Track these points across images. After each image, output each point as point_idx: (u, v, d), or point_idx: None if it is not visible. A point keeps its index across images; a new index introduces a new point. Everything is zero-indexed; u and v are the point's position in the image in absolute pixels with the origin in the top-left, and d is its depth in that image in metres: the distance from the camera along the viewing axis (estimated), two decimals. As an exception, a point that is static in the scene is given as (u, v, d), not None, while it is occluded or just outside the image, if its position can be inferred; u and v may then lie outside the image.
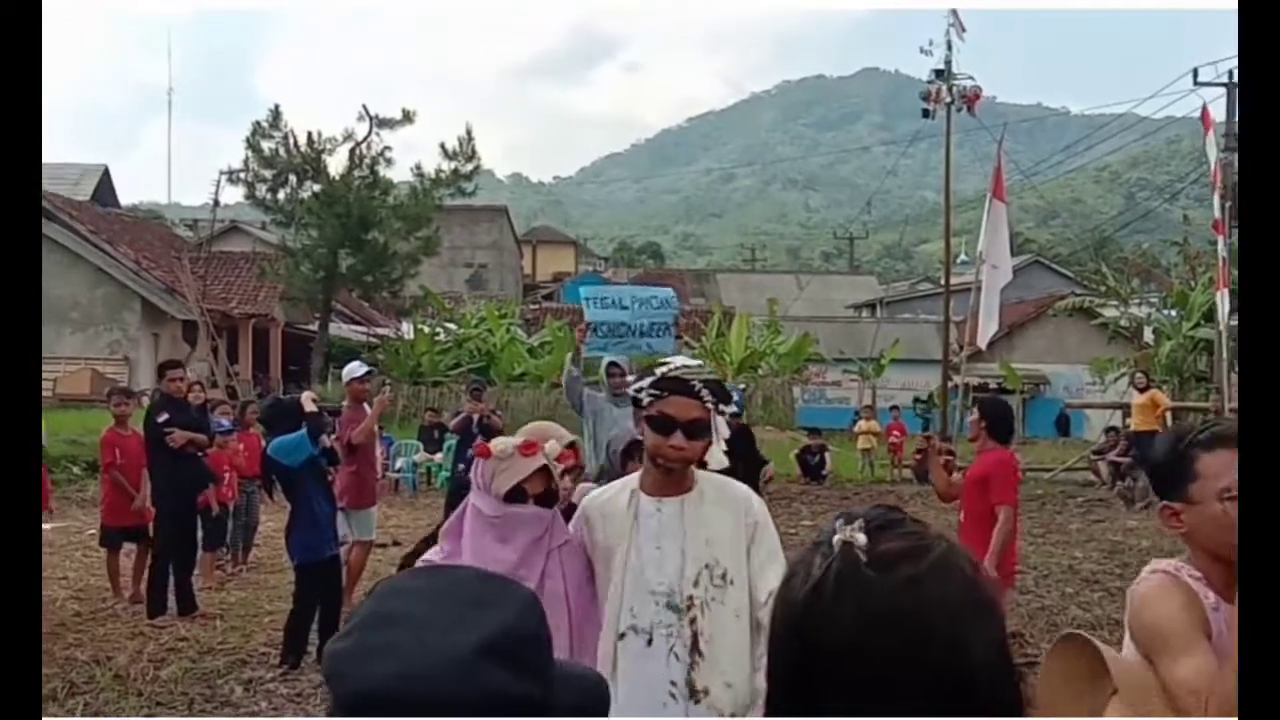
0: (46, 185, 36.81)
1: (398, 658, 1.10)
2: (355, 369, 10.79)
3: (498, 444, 3.63)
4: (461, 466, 13.09)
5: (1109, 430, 24.18)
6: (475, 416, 13.09)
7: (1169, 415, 20.62)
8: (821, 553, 1.32)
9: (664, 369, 3.51)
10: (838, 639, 1.26)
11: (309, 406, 8.63)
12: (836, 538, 1.30)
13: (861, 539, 1.29)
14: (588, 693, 1.30)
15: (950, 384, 29.57)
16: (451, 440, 14.26)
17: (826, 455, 23.41)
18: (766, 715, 1.39)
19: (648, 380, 3.50)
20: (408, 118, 31.74)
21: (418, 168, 32.27)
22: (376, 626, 1.15)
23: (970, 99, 30.43)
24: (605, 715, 1.33)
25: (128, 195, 57.16)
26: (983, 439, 7.67)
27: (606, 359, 9.70)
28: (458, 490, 12.83)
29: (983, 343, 17.10)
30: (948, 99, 30.10)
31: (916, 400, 34.20)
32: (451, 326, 34.72)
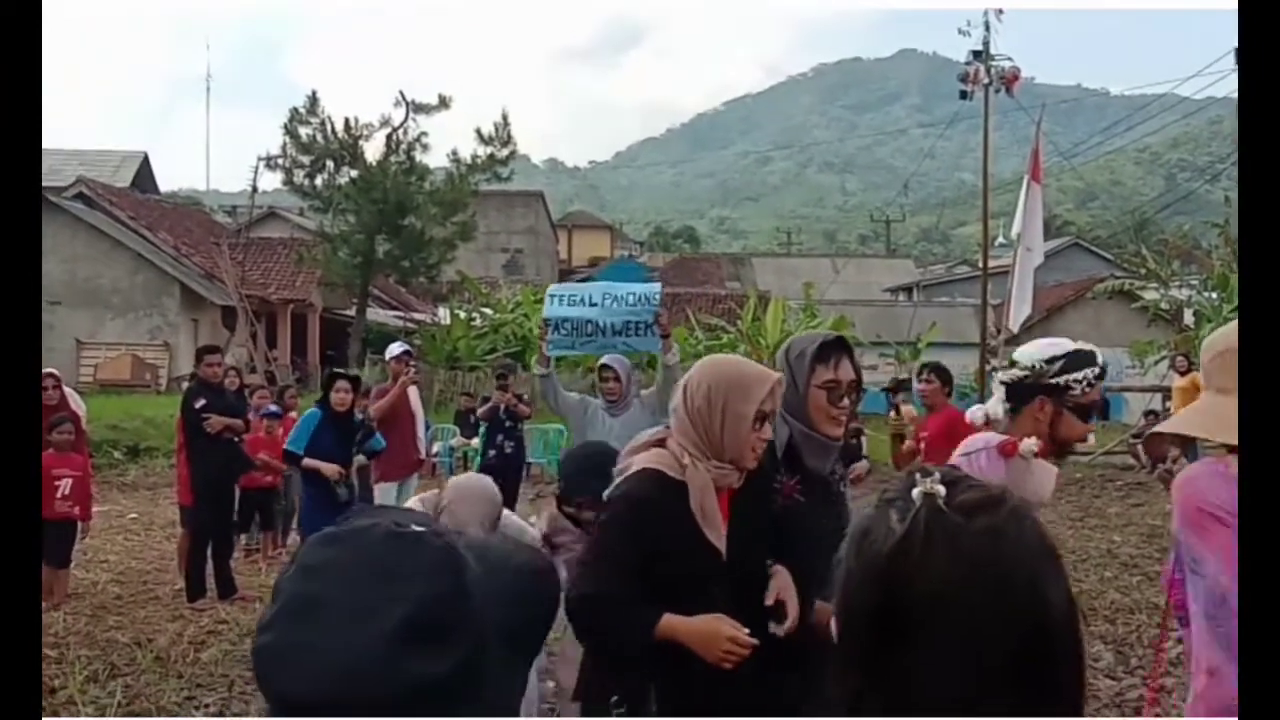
0: (87, 172, 37.21)
1: (315, 657, 1.06)
2: (394, 349, 11.48)
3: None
4: (492, 453, 13.19)
5: (1148, 414, 23.99)
6: (502, 405, 13.25)
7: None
8: (897, 508, 1.36)
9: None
10: (929, 587, 1.29)
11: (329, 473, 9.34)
12: (917, 490, 1.34)
13: (941, 490, 1.33)
14: (528, 595, 1.23)
15: (988, 367, 29.41)
16: (483, 427, 14.19)
17: (863, 439, 23.37)
18: (839, 669, 1.41)
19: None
20: (444, 103, 31.77)
21: (454, 153, 32.37)
22: (294, 616, 1.10)
23: (1009, 80, 30.19)
24: (548, 610, 1.28)
25: (167, 182, 57.59)
26: (940, 401, 8.47)
27: (600, 361, 8.37)
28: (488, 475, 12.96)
29: (1015, 326, 17.01)
30: (986, 80, 29.88)
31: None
32: (488, 311, 34.80)
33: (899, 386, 8.94)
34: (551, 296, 8.71)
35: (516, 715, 1.19)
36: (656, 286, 8.79)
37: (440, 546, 1.14)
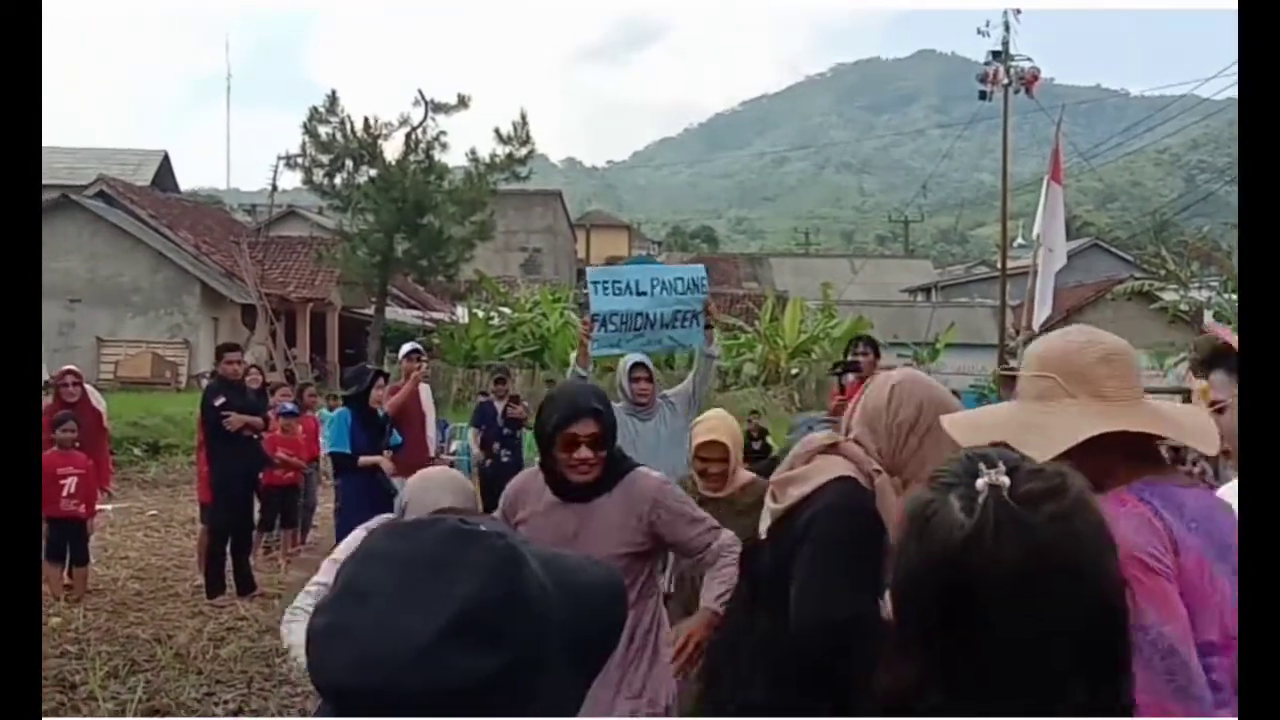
0: (107, 170, 37.36)
1: (357, 645, 1.05)
2: (405, 347, 11.59)
3: None
4: (489, 462, 13.04)
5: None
6: (500, 407, 13.10)
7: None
8: (960, 496, 1.37)
9: None
10: (1001, 579, 1.31)
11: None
12: (982, 481, 1.35)
13: (1006, 481, 1.34)
14: (596, 612, 1.20)
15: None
16: (471, 432, 14.17)
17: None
18: (894, 657, 1.43)
19: None
20: (463, 103, 31.80)
21: (473, 153, 32.36)
22: (348, 601, 1.10)
23: (1028, 81, 30.15)
24: (616, 628, 1.25)
25: (187, 180, 57.78)
26: (873, 371, 8.48)
27: (630, 359, 7.35)
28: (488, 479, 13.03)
29: (1036, 326, 16.92)
30: (1005, 81, 29.84)
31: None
32: (506, 310, 34.84)
33: (848, 368, 9.02)
34: (595, 284, 7.72)
35: None
36: (701, 269, 8.02)
37: (502, 547, 1.12)
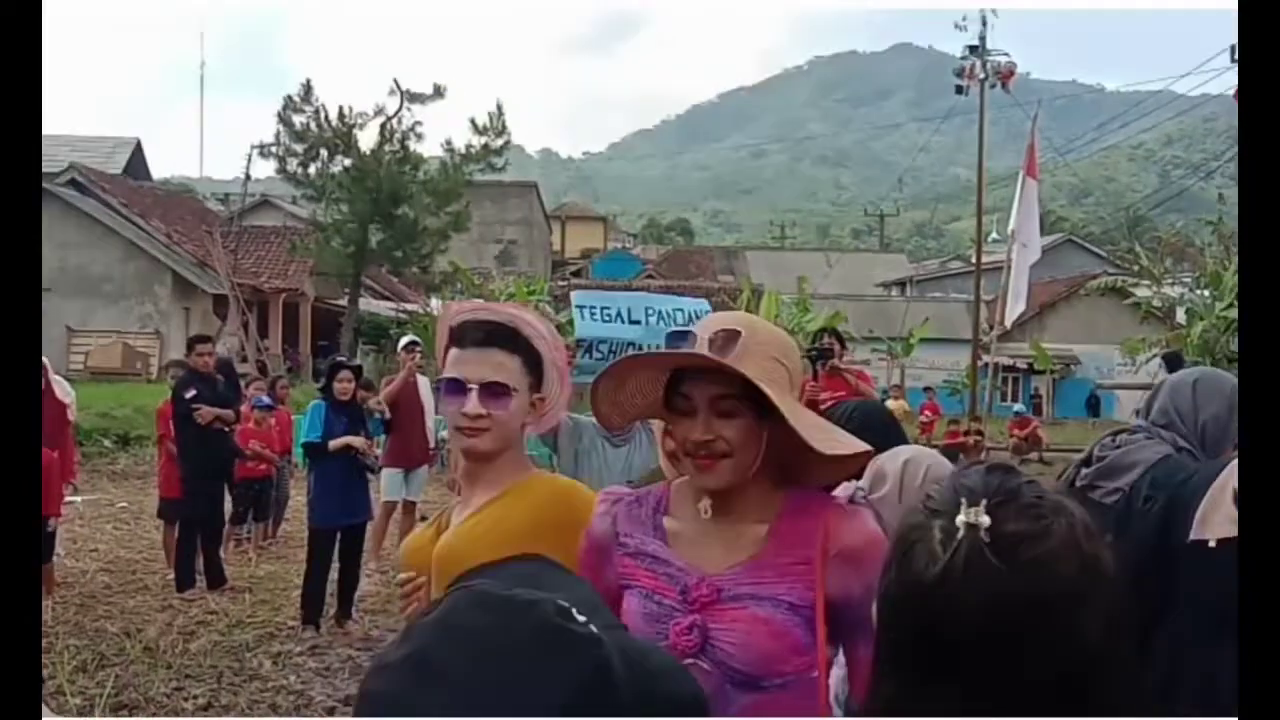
0: (79, 158, 37.06)
1: None
2: (403, 340, 12.36)
3: None
4: None
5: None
6: None
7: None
8: (941, 528, 1.33)
9: None
10: (965, 622, 1.27)
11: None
12: (961, 519, 1.31)
13: (986, 521, 1.30)
14: None
15: (980, 363, 29.45)
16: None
17: (854, 434, 23.36)
18: (873, 686, 1.41)
19: None
20: (438, 92, 31.69)
21: (448, 143, 32.25)
22: (419, 674, 1.05)
23: (1004, 76, 30.26)
24: None
25: (160, 169, 57.44)
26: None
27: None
28: None
29: (1009, 322, 17.06)
30: (981, 75, 29.95)
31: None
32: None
33: (822, 353, 9.04)
34: (581, 309, 7.36)
35: None
36: (705, 305, 7.55)
37: (595, 658, 1.07)
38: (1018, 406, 28.69)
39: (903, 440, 4.03)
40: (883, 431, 3.93)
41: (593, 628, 1.10)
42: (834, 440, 2.25)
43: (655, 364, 2.33)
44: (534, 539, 2.42)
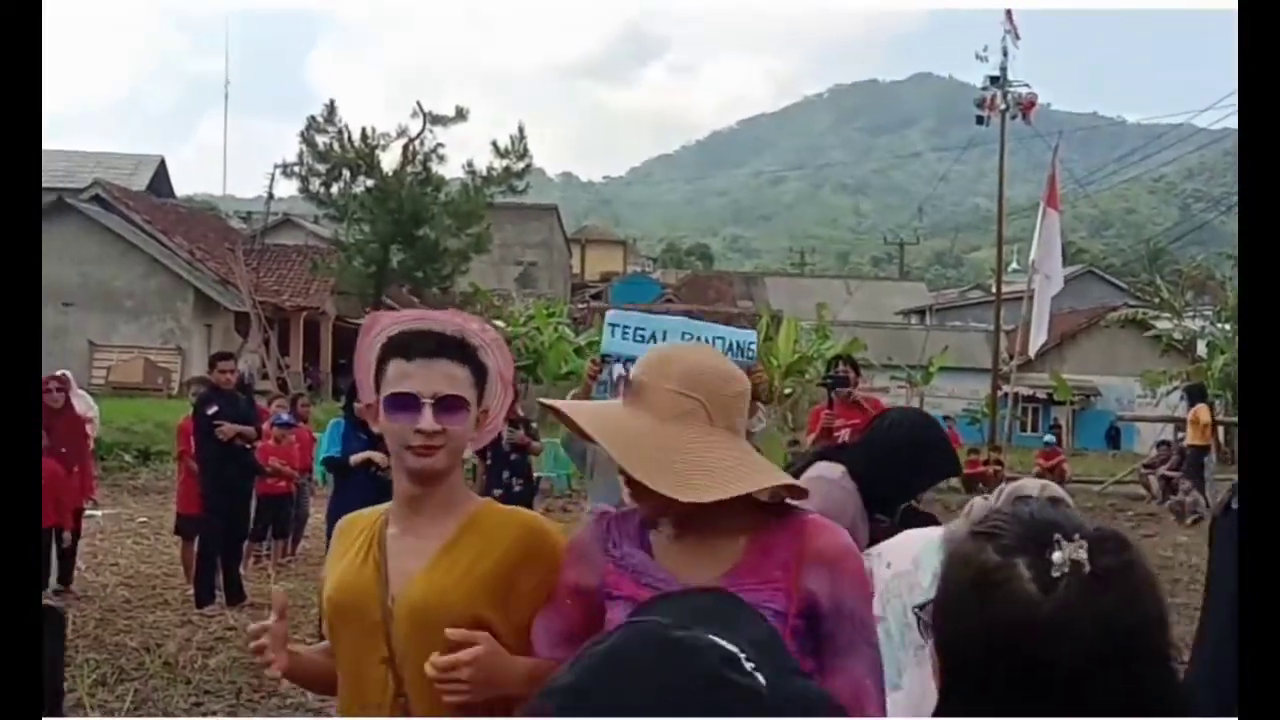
0: (103, 174, 37.31)
1: None
2: None
3: None
4: (498, 492, 10.89)
5: (1161, 444, 23.94)
6: (503, 431, 11.74)
7: (1217, 430, 20.39)
8: (1028, 564, 1.34)
9: None
10: (1076, 659, 1.28)
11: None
12: (1060, 555, 1.32)
13: (1084, 555, 1.32)
14: None
15: (1000, 393, 29.35)
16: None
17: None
18: (947, 706, 1.42)
19: None
20: (461, 115, 31.83)
21: (469, 165, 32.39)
22: (584, 705, 1.06)
23: (1025, 106, 30.23)
24: None
25: (183, 186, 57.69)
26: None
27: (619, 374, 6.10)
28: None
29: (1032, 352, 16.99)
30: (1002, 106, 29.92)
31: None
32: (500, 324, 34.79)
33: (839, 381, 8.92)
34: (613, 326, 6.82)
35: None
36: (751, 335, 6.94)
37: (756, 712, 1.08)
38: (1048, 437, 28.52)
39: (951, 455, 3.98)
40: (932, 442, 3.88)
41: (760, 677, 1.11)
42: (688, 481, 2.16)
43: (574, 430, 2.35)
44: (509, 582, 2.41)
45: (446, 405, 2.40)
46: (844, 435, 7.89)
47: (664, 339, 6.59)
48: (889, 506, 3.77)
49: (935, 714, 1.43)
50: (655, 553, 2.29)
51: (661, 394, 2.19)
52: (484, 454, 11.68)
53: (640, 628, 1.18)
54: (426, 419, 2.37)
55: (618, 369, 6.39)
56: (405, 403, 2.39)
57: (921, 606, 2.47)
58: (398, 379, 2.40)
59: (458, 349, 2.46)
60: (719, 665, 1.10)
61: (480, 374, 2.50)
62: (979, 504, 3.20)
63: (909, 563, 3.61)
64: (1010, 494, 3.09)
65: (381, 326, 2.58)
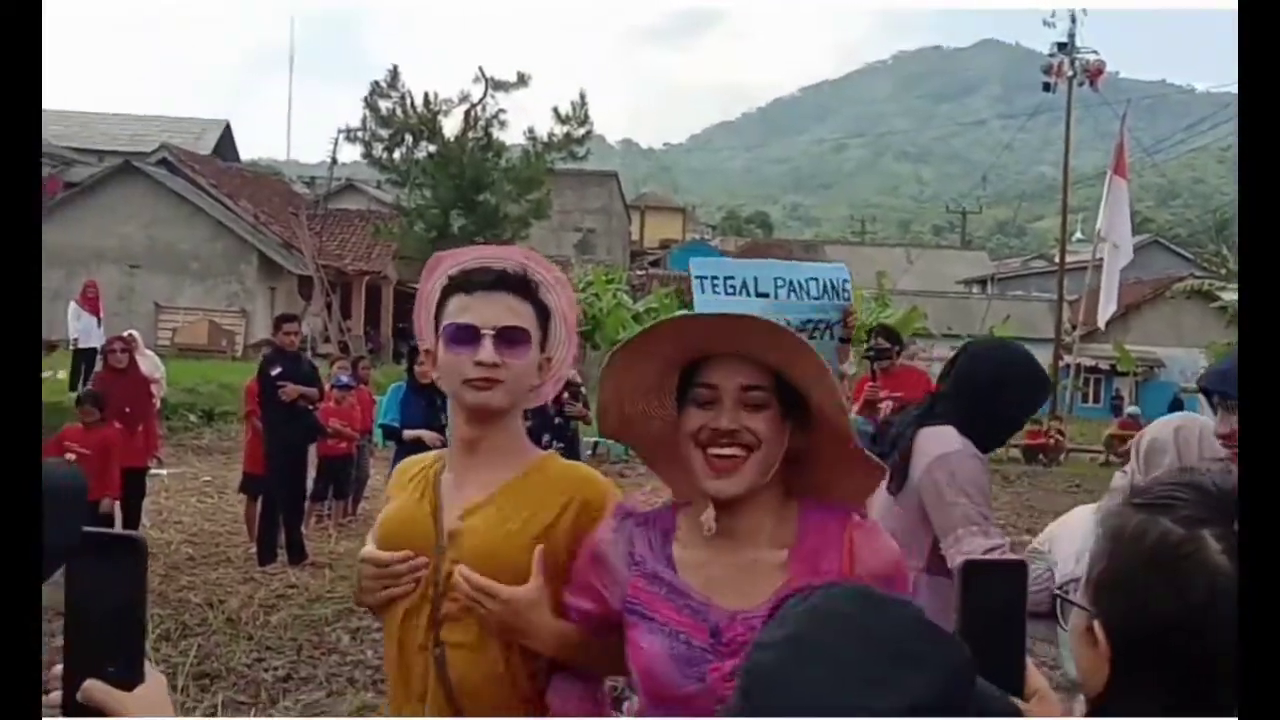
0: (170, 138, 37.73)
1: (814, 697, 1.05)
2: None
3: None
4: None
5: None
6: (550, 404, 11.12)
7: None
8: (1215, 534, 1.32)
9: None
10: (1223, 639, 1.28)
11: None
12: (1215, 548, 1.31)
13: (1220, 547, 1.31)
14: None
15: (1061, 363, 29.07)
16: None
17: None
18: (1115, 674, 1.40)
19: None
20: (522, 80, 31.78)
21: (530, 131, 32.37)
22: (803, 652, 1.10)
23: (1093, 73, 29.85)
24: None
25: (248, 151, 58.24)
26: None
27: None
28: None
29: (1102, 323, 16.82)
30: (1070, 72, 29.53)
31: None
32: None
33: (881, 353, 8.70)
34: (701, 280, 6.29)
35: None
36: (845, 272, 6.42)
37: (963, 653, 1.13)
38: (1132, 409, 28.06)
39: (1040, 377, 3.83)
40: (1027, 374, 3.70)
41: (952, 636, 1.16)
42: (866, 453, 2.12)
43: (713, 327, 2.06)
44: (571, 532, 2.28)
45: (507, 338, 2.28)
46: (886, 407, 7.66)
47: (755, 286, 6.16)
48: (993, 445, 3.71)
49: (1106, 693, 1.40)
50: (680, 569, 2.09)
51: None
52: (525, 412, 11.34)
53: (842, 586, 1.24)
54: (486, 350, 2.26)
55: None
56: (464, 334, 2.28)
57: (1061, 587, 2.40)
58: (457, 312, 2.31)
59: (520, 284, 2.35)
60: (922, 614, 1.15)
61: (543, 314, 2.39)
62: (1119, 479, 3.11)
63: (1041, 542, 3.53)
64: (1145, 453, 2.99)
65: (443, 267, 2.48)
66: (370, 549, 2.37)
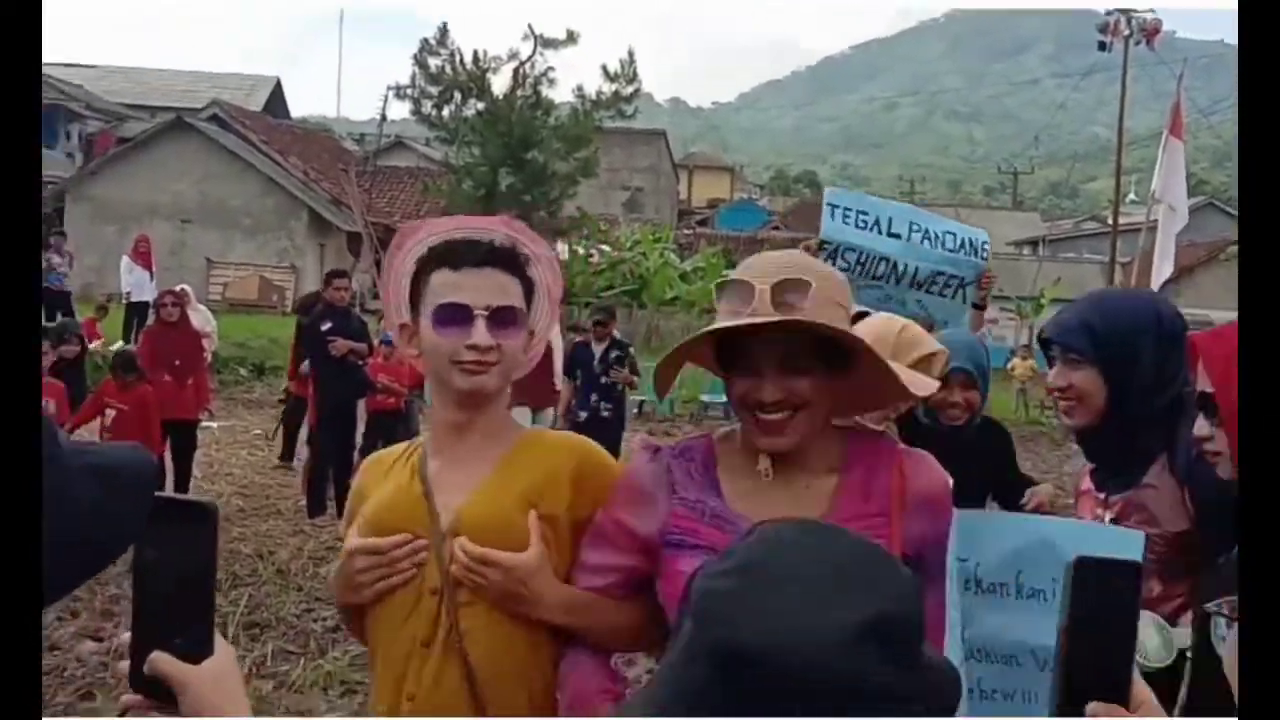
0: (221, 95, 37.95)
1: (776, 619, 1.05)
2: None
3: None
4: (584, 414, 11.21)
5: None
6: (598, 350, 11.53)
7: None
8: None
9: None
10: None
11: None
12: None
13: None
14: (942, 687, 1.16)
15: (1112, 327, 28.76)
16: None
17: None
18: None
19: None
20: (571, 38, 31.68)
21: (579, 89, 32.28)
22: (759, 578, 1.10)
23: (1150, 32, 29.39)
24: (954, 709, 1.19)
25: (298, 108, 58.55)
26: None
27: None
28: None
29: (1156, 285, 16.57)
30: (1126, 32, 29.10)
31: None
32: (606, 248, 34.89)
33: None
34: (833, 207, 5.99)
35: None
36: (984, 234, 6.26)
37: (911, 574, 1.17)
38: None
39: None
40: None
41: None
42: (922, 381, 2.34)
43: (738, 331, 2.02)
44: (574, 489, 2.22)
45: (501, 319, 2.18)
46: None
47: (889, 226, 5.97)
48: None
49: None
50: (727, 496, 2.09)
51: (834, 309, 2.02)
52: (573, 373, 11.48)
53: (787, 522, 1.23)
54: (480, 332, 2.16)
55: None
56: (455, 315, 2.17)
57: None
58: (445, 289, 2.19)
59: (510, 259, 2.25)
60: (869, 541, 1.18)
61: (529, 290, 2.28)
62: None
63: None
64: None
65: (418, 237, 2.33)
66: (360, 540, 2.25)
